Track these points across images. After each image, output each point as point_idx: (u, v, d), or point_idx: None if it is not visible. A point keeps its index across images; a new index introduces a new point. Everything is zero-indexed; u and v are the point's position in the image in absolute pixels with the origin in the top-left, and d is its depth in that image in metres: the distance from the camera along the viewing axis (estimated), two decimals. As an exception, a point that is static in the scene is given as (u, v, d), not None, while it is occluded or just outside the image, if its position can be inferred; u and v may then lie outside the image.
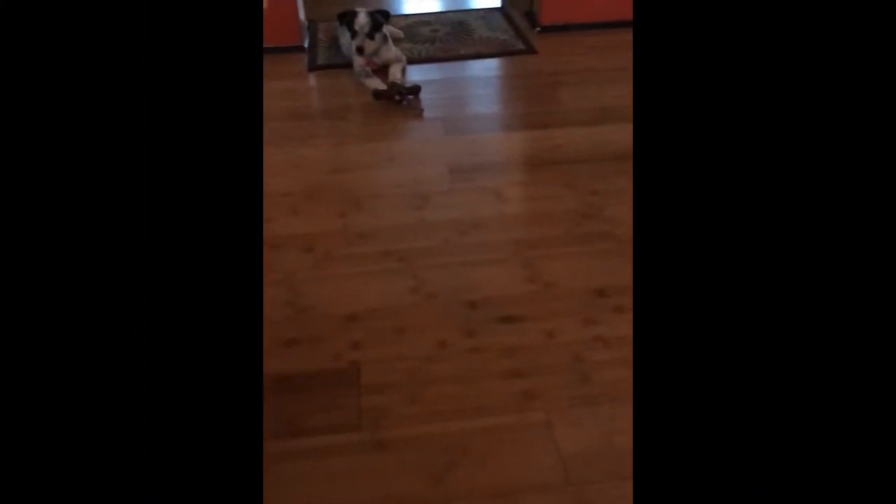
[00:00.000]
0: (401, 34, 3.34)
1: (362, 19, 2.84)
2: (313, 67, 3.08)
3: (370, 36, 2.85)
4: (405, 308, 1.72)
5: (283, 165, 2.34)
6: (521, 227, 2.04)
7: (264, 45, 3.16)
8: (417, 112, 2.67)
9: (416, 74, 3.02)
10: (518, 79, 3.06)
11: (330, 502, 1.27)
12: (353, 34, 2.86)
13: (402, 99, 2.68)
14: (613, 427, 1.39)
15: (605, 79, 2.90)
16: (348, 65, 3.01)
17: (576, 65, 3.05)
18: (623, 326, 1.65)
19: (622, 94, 2.77)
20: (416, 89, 2.70)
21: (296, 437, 1.39)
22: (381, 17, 2.91)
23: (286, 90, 2.90)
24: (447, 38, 3.37)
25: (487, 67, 3.14)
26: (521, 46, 3.25)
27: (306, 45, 3.26)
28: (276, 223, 2.04)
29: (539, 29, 3.37)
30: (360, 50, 2.83)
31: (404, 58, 3.06)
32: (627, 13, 3.24)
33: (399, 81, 2.80)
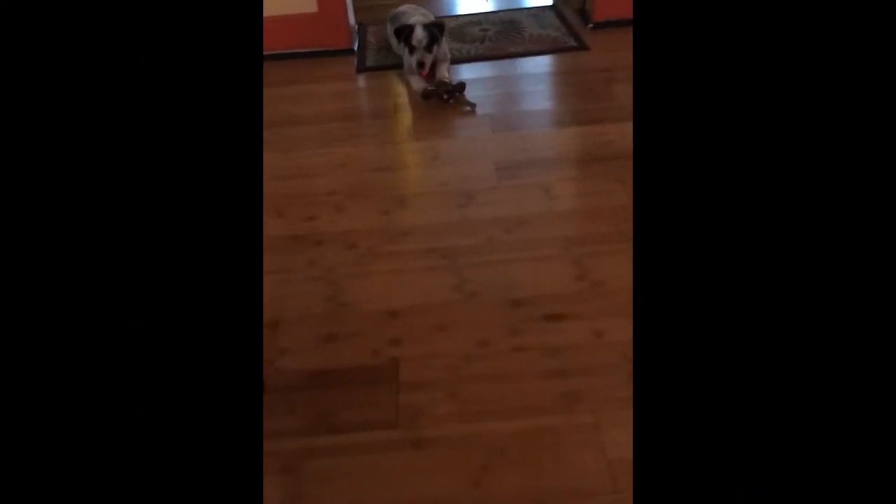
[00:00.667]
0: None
1: (419, 34, 2.82)
2: (362, 69, 3.09)
3: (428, 49, 2.83)
4: (447, 305, 1.67)
5: (328, 165, 2.34)
6: (570, 224, 1.96)
7: (316, 49, 3.21)
8: (467, 109, 2.63)
9: (464, 73, 2.98)
10: (569, 75, 2.98)
11: (363, 500, 1.23)
12: (412, 49, 2.84)
13: (450, 97, 2.65)
14: (666, 432, 1.29)
15: (661, 73, 2.79)
16: (397, 66, 3.01)
17: (628, 61, 2.94)
18: (677, 326, 1.55)
19: (679, 87, 2.65)
20: (461, 86, 2.67)
21: (331, 433, 1.36)
22: (437, 31, 2.88)
23: (335, 92, 2.92)
24: (497, 36, 3.32)
25: (538, 64, 3.07)
26: (572, 43, 3.16)
27: (356, 47, 3.28)
28: (320, 221, 2.03)
29: (592, 25, 3.28)
30: (420, 65, 2.80)
31: (449, 55, 3.05)
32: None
33: (446, 80, 2.77)
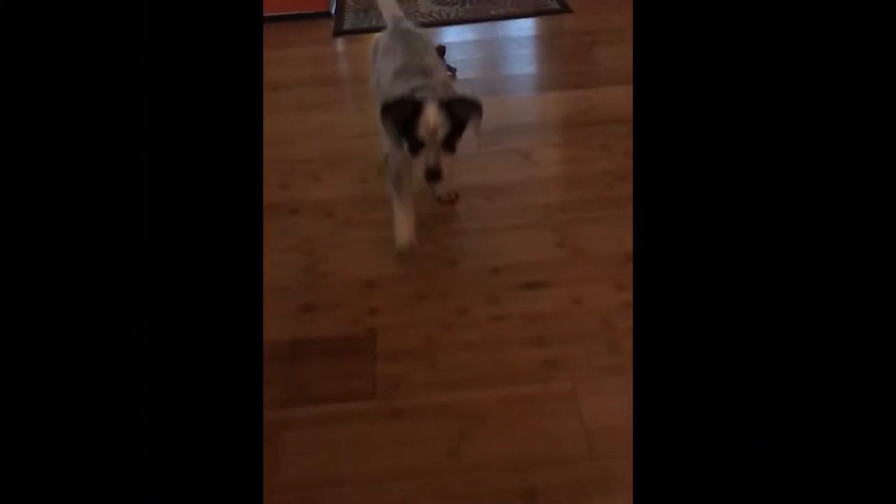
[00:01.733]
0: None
1: (433, 118, 1.41)
2: (340, 32, 3.01)
3: (449, 143, 1.45)
4: (425, 274, 1.65)
5: (305, 132, 2.28)
6: (551, 191, 1.93)
7: (291, 13, 3.11)
8: (447, 74, 2.57)
9: (444, 36, 2.91)
10: (552, 38, 2.92)
11: (341, 471, 1.22)
12: (415, 144, 1.44)
13: (429, 61, 2.58)
14: (644, 398, 1.29)
15: (645, 36, 2.74)
16: (378, 29, 2.92)
17: (612, 23, 2.89)
18: (657, 293, 1.54)
19: (663, 50, 2.60)
20: (441, 50, 2.60)
21: (308, 404, 1.34)
22: (465, 106, 1.48)
23: (311, 57, 2.84)
24: (478, -1, 3.24)
25: (520, 28, 3.00)
26: (555, 6, 3.10)
27: (333, 10, 3.18)
28: (296, 189, 1.99)
29: (575, -13, 3.21)
30: (434, 175, 1.44)
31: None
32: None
33: (426, 43, 2.69)
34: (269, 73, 2.68)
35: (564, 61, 2.70)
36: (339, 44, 2.97)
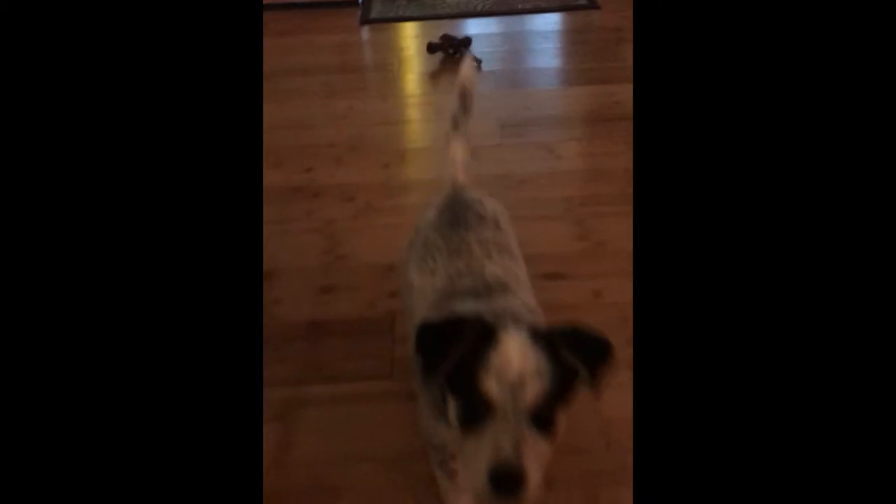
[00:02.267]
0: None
1: (518, 356, 0.74)
2: (366, 21, 3.01)
3: (546, 418, 0.75)
4: (445, 261, 1.65)
5: (328, 117, 2.29)
6: (574, 184, 1.93)
7: (319, 0, 3.12)
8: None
9: (471, 28, 2.91)
10: (579, 33, 2.91)
11: (356, 450, 1.23)
12: (480, 410, 0.74)
13: (455, 51, 2.59)
14: (661, 392, 1.29)
15: (673, 34, 2.73)
16: (403, 18, 2.93)
17: (641, 20, 2.88)
18: (678, 289, 1.53)
19: (691, 49, 2.59)
20: (467, 41, 2.61)
21: (325, 382, 1.35)
22: (581, 349, 0.79)
23: (337, 44, 2.85)
24: (506, -8, 3.23)
25: (547, 22, 3.00)
26: (582, 2, 3.08)
27: (360, -1, 3.20)
28: (318, 172, 2.00)
29: (604, -17, 3.19)
30: (509, 481, 0.71)
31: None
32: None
33: (452, 35, 2.70)
34: (296, 59, 2.69)
35: (590, 57, 2.69)
36: (365, 32, 2.98)
